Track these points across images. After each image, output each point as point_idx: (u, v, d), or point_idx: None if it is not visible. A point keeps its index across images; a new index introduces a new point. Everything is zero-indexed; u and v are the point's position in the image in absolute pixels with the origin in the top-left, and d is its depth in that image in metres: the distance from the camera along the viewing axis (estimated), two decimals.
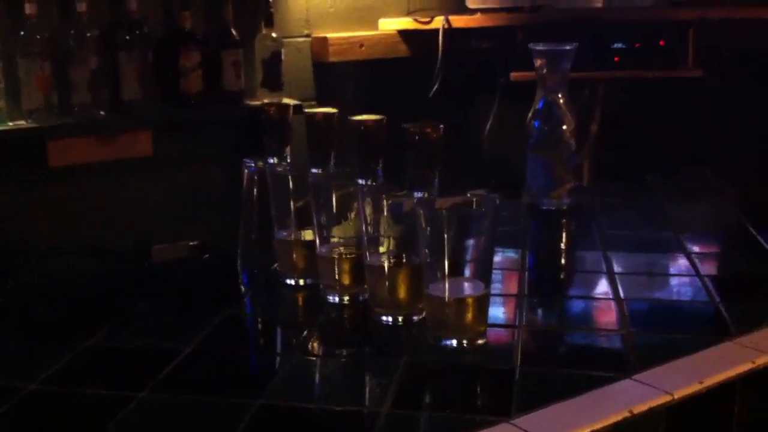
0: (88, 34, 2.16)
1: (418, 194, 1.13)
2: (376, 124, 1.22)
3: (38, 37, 2.09)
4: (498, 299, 1.18)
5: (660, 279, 1.30)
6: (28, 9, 2.06)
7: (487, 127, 2.65)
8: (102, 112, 2.18)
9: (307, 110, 1.34)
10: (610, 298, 1.19)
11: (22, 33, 2.08)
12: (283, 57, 2.47)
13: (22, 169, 2.12)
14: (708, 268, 1.33)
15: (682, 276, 1.29)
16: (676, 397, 0.89)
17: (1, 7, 2.08)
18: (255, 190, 1.29)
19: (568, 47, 1.61)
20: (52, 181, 2.17)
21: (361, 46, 2.65)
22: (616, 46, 2.53)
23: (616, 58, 2.53)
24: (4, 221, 2.09)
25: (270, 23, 2.44)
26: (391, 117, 1.26)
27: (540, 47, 1.62)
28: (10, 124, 2.08)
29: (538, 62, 1.62)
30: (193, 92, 2.29)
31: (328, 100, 2.61)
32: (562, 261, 1.44)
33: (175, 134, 2.32)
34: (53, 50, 2.11)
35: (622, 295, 1.19)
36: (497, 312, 1.14)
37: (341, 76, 2.66)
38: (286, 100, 2.46)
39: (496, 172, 2.24)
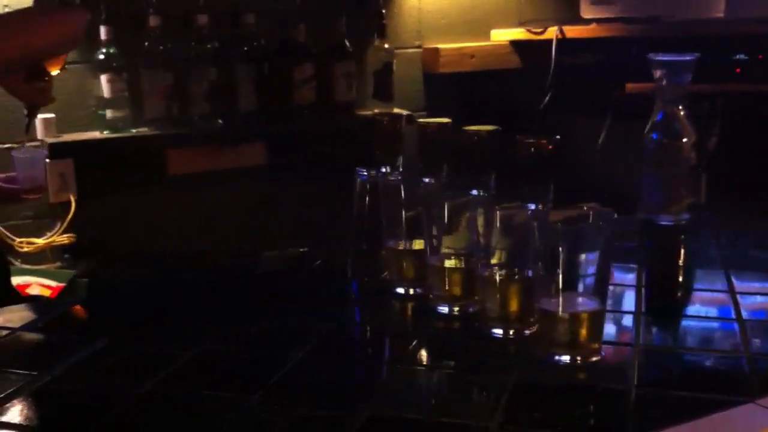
0: (208, 46, 2.23)
1: (531, 206, 1.11)
2: (489, 135, 1.21)
3: (161, 48, 2.17)
4: (613, 316, 1.15)
5: None
6: (152, 21, 2.14)
7: (600, 139, 2.60)
8: (219, 122, 2.24)
9: (420, 120, 1.34)
10: (731, 319, 1.14)
11: (145, 44, 2.16)
12: (394, 68, 2.49)
13: (142, 175, 2.20)
14: None
15: None
16: None
17: (125, 19, 2.17)
18: (366, 199, 1.30)
19: (688, 58, 1.56)
20: (169, 188, 2.24)
21: (472, 57, 2.64)
22: (737, 57, 2.44)
23: (737, 70, 2.44)
24: (121, 225, 2.17)
25: (383, 35, 2.47)
26: (503, 129, 1.25)
27: (660, 57, 1.57)
28: (133, 131, 2.16)
29: (657, 73, 1.58)
30: (306, 104, 2.33)
31: (437, 111, 2.61)
32: (681, 279, 1.39)
33: (288, 144, 2.37)
34: (174, 62, 2.19)
35: (744, 315, 1.14)
36: (612, 329, 1.11)
37: (451, 87, 2.66)
38: (397, 110, 2.48)
39: (609, 186, 2.19)
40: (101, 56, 2.11)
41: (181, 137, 2.22)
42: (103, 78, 2.11)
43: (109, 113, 2.14)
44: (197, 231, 2.26)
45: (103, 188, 2.12)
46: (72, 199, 2.03)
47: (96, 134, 2.15)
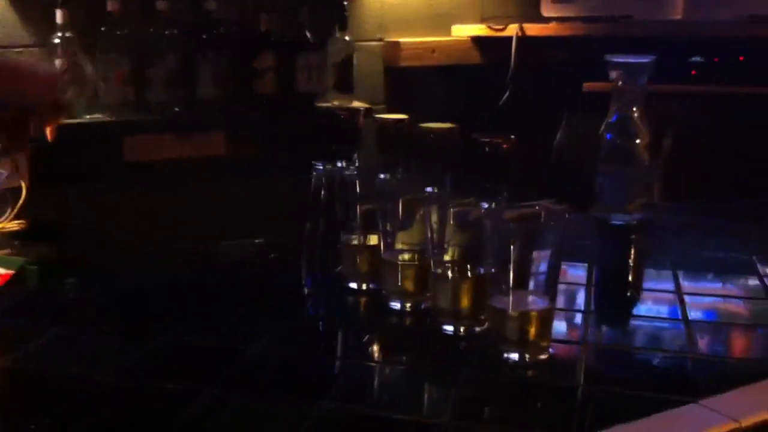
0: (167, 33, 2.20)
1: (485, 204, 1.12)
2: (446, 132, 1.21)
3: (119, 33, 2.14)
4: (563, 314, 1.16)
5: (731, 302, 1.27)
6: (110, 6, 2.11)
7: (558, 137, 2.62)
8: (177, 110, 2.22)
9: (378, 116, 1.35)
10: (678, 320, 1.17)
11: (102, 29, 2.13)
12: (355, 60, 2.48)
13: (97, 163, 2.17)
14: None
15: (755, 299, 1.25)
16: (743, 425, 0.87)
17: (83, 3, 2.14)
18: (322, 193, 1.30)
19: (646, 60, 1.58)
20: (126, 176, 2.22)
21: (433, 51, 2.65)
22: (694, 59, 2.48)
23: (693, 72, 2.48)
24: (76, 214, 2.14)
25: (344, 27, 2.46)
26: (462, 124, 1.25)
27: (617, 59, 1.59)
28: (88, 117, 2.13)
29: (614, 74, 1.60)
30: (267, 94, 2.32)
31: (398, 104, 2.61)
32: (630, 278, 1.41)
33: (247, 135, 2.35)
34: (133, 47, 2.16)
35: (690, 316, 1.16)
36: (562, 327, 1.12)
37: (412, 81, 2.67)
38: (356, 104, 2.48)
39: (565, 184, 2.21)
40: (56, 40, 2.07)
41: (137, 124, 2.19)
42: (58, 63, 2.07)
43: None
44: (152, 219, 2.24)
45: (57, 174, 2.09)
46: (23, 185, 1.99)
47: None
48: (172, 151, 2.24)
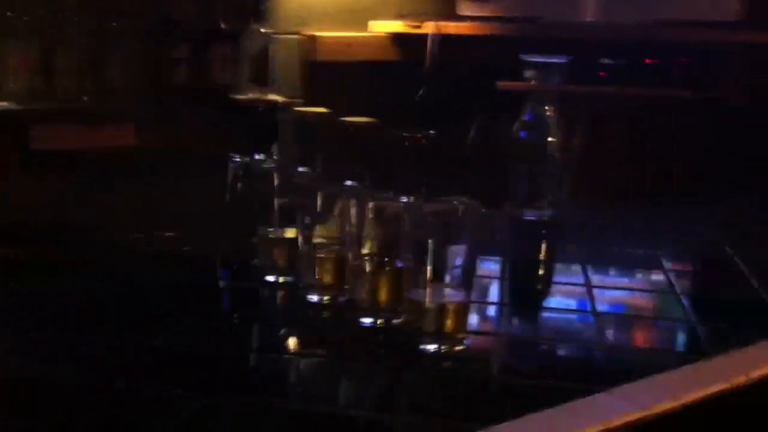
0: (76, 18, 2.14)
1: (403, 198, 1.13)
2: (365, 127, 1.22)
3: (26, 19, 2.07)
4: (478, 307, 1.18)
5: (637, 294, 1.31)
6: None
7: (471, 134, 2.66)
8: (86, 99, 2.16)
9: (298, 108, 1.34)
10: (587, 311, 1.20)
11: (8, 14, 2.06)
12: (271, 53, 2.46)
13: (2, 150, 2.09)
14: (685, 287, 1.34)
15: (660, 293, 1.30)
16: (652, 412, 0.90)
17: None
18: (239, 185, 1.29)
19: (559, 60, 1.61)
20: (31, 165, 2.15)
21: (350, 46, 2.65)
22: (606, 61, 2.55)
23: (604, 74, 2.55)
24: None
25: (261, 18, 2.44)
26: (379, 119, 1.26)
27: (531, 59, 1.62)
28: None
29: (528, 73, 1.63)
30: (181, 84, 2.28)
31: (315, 99, 2.61)
32: (541, 272, 1.44)
33: (159, 126, 2.31)
34: (41, 34, 2.10)
35: (599, 308, 1.20)
36: (477, 319, 1.14)
37: (330, 76, 2.66)
38: (273, 97, 2.46)
39: (479, 180, 2.25)
40: None
41: (44, 112, 2.12)
42: None
43: None
44: (62, 209, 2.17)
45: None
46: None
47: None
48: (81, 141, 2.18)
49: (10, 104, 2.09)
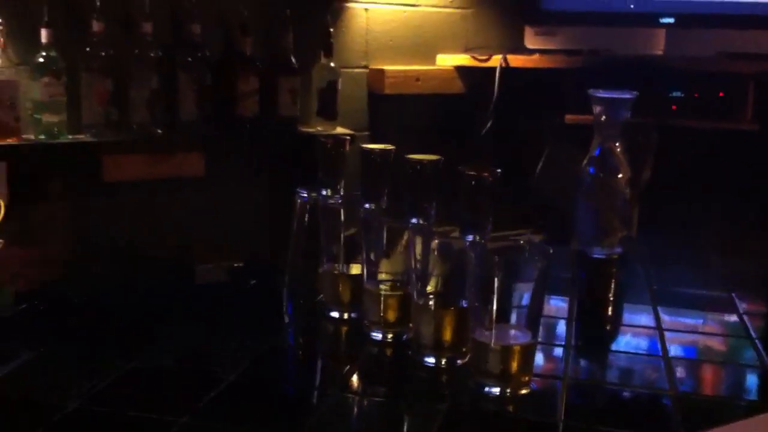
0: (151, 54, 2.19)
1: (469, 237, 1.12)
2: (431, 164, 1.22)
3: (102, 54, 2.13)
4: (544, 348, 1.16)
5: (710, 338, 1.27)
6: (96, 26, 2.10)
7: (539, 168, 2.63)
8: (159, 131, 2.21)
9: (364, 146, 1.35)
10: (658, 356, 1.17)
11: (87, 49, 2.12)
12: (339, 87, 2.49)
13: (77, 182, 2.15)
14: (760, 330, 1.30)
15: (733, 336, 1.26)
16: None
17: (67, 22, 2.13)
18: (305, 220, 1.30)
19: (628, 96, 1.60)
20: (105, 195, 2.20)
21: (418, 80, 2.66)
22: (674, 94, 2.50)
23: (674, 107, 2.50)
24: (53, 232, 2.12)
25: (329, 52, 2.46)
26: (444, 153, 1.26)
27: (600, 94, 1.61)
28: (69, 137, 2.11)
29: (596, 109, 1.61)
30: (249, 116, 2.32)
31: (381, 131, 2.62)
32: (611, 313, 1.41)
33: (228, 156, 2.35)
34: (115, 67, 2.15)
35: (670, 353, 1.17)
36: (542, 361, 1.12)
37: (396, 108, 2.67)
38: (339, 130, 2.48)
39: (545, 216, 2.22)
40: (41, 59, 2.06)
41: (118, 144, 2.17)
42: (41, 81, 2.05)
43: (45, 117, 2.09)
44: (133, 241, 2.22)
45: (37, 194, 2.06)
46: (1, 203, 1.98)
47: (31, 138, 2.10)
48: (152, 171, 2.23)
49: (85, 136, 2.14)
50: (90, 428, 0.92)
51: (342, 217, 1.22)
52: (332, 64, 2.46)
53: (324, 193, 1.29)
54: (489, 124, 2.63)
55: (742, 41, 2.54)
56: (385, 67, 2.62)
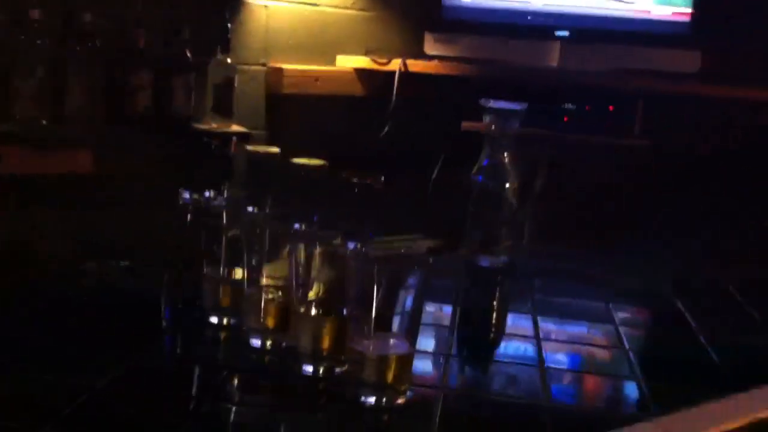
0: (38, 42, 2.12)
1: (351, 244, 1.11)
2: (317, 169, 1.20)
3: None
4: (422, 356, 1.16)
5: (586, 349, 1.30)
6: None
7: (434, 174, 2.66)
8: (44, 123, 2.13)
9: (250, 147, 1.33)
10: (534, 365, 1.19)
11: None
12: (236, 84, 2.45)
13: None
14: (635, 343, 1.33)
15: (609, 348, 1.29)
16: None
17: None
18: (188, 221, 1.26)
19: (518, 107, 1.62)
20: None
21: (317, 80, 2.65)
22: (566, 106, 2.57)
23: (565, 118, 2.57)
24: None
25: (226, 49, 2.43)
26: (341, 155, 1.25)
27: (491, 104, 1.62)
28: None
29: (487, 118, 1.63)
30: (141, 112, 2.26)
31: (278, 131, 2.60)
32: (493, 321, 1.43)
33: (117, 153, 2.28)
34: (1, 56, 2.07)
35: (546, 363, 1.19)
36: (421, 370, 1.12)
37: (294, 108, 2.66)
38: (235, 128, 2.45)
39: (439, 221, 2.24)
40: None
41: (1, 136, 2.09)
42: None
43: None
44: (12, 237, 2.13)
45: None
46: None
47: None
48: (37, 166, 2.15)
49: None
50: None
51: (224, 220, 1.19)
52: (229, 61, 2.43)
53: (207, 194, 1.26)
54: (387, 128, 2.64)
55: (634, 58, 2.63)
56: (284, 66, 2.60)
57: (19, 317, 1.21)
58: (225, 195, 1.28)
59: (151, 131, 2.27)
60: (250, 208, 1.21)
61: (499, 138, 1.63)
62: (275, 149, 1.26)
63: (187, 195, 1.26)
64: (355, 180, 1.16)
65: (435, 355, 1.20)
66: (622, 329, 1.35)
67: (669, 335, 1.39)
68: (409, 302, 1.03)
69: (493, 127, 1.63)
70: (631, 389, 1.16)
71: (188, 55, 2.33)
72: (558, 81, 2.57)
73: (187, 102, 2.33)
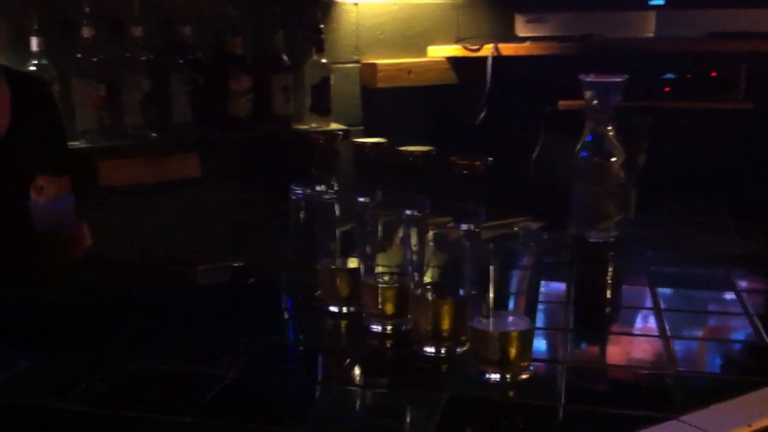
0: (142, 58, 2.20)
1: (463, 226, 1.13)
2: (423, 155, 1.22)
3: (93, 59, 2.13)
4: (542, 333, 1.17)
5: (708, 317, 1.28)
6: (86, 33, 2.11)
7: (534, 155, 2.64)
8: (153, 134, 2.22)
9: (356, 140, 1.35)
10: (656, 336, 1.18)
11: (78, 56, 2.12)
12: (332, 82, 2.49)
13: (73, 189, 2.16)
14: (757, 306, 1.30)
15: (730, 314, 1.27)
16: None
17: (57, 29, 2.13)
18: (301, 216, 1.30)
19: (618, 79, 1.59)
20: (101, 200, 2.20)
21: (410, 72, 2.66)
22: (666, 76, 2.51)
23: (666, 89, 2.50)
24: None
25: (320, 49, 2.47)
26: (439, 144, 1.26)
27: (590, 79, 1.61)
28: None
29: (587, 94, 1.61)
30: (242, 116, 2.32)
31: (375, 125, 2.63)
32: (608, 295, 1.42)
33: (223, 157, 2.36)
34: (107, 73, 2.16)
35: (668, 332, 1.17)
36: (541, 346, 1.13)
37: (389, 102, 2.68)
38: (333, 125, 2.49)
39: (542, 202, 2.22)
40: (32, 67, 2.06)
41: (112, 149, 2.18)
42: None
43: None
44: (130, 244, 2.23)
45: None
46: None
47: None
48: (148, 174, 2.24)
49: (80, 143, 2.15)
50: (90, 428, 0.92)
51: (337, 212, 1.22)
52: (324, 61, 2.47)
53: (318, 188, 1.29)
54: (483, 114, 2.64)
55: (732, 20, 2.54)
56: (377, 61, 2.62)
57: (147, 317, 1.27)
58: (335, 188, 1.31)
59: (253, 133, 2.33)
60: (360, 198, 1.24)
61: (601, 112, 1.62)
62: (382, 139, 1.28)
63: (299, 190, 1.30)
64: (462, 162, 1.17)
65: (553, 330, 1.20)
66: (744, 295, 1.32)
67: None
68: (524, 280, 1.04)
69: (594, 102, 1.61)
70: (754, 355, 1.14)
71: (284, 57, 2.38)
72: (656, 51, 2.51)
73: (286, 103, 2.38)
